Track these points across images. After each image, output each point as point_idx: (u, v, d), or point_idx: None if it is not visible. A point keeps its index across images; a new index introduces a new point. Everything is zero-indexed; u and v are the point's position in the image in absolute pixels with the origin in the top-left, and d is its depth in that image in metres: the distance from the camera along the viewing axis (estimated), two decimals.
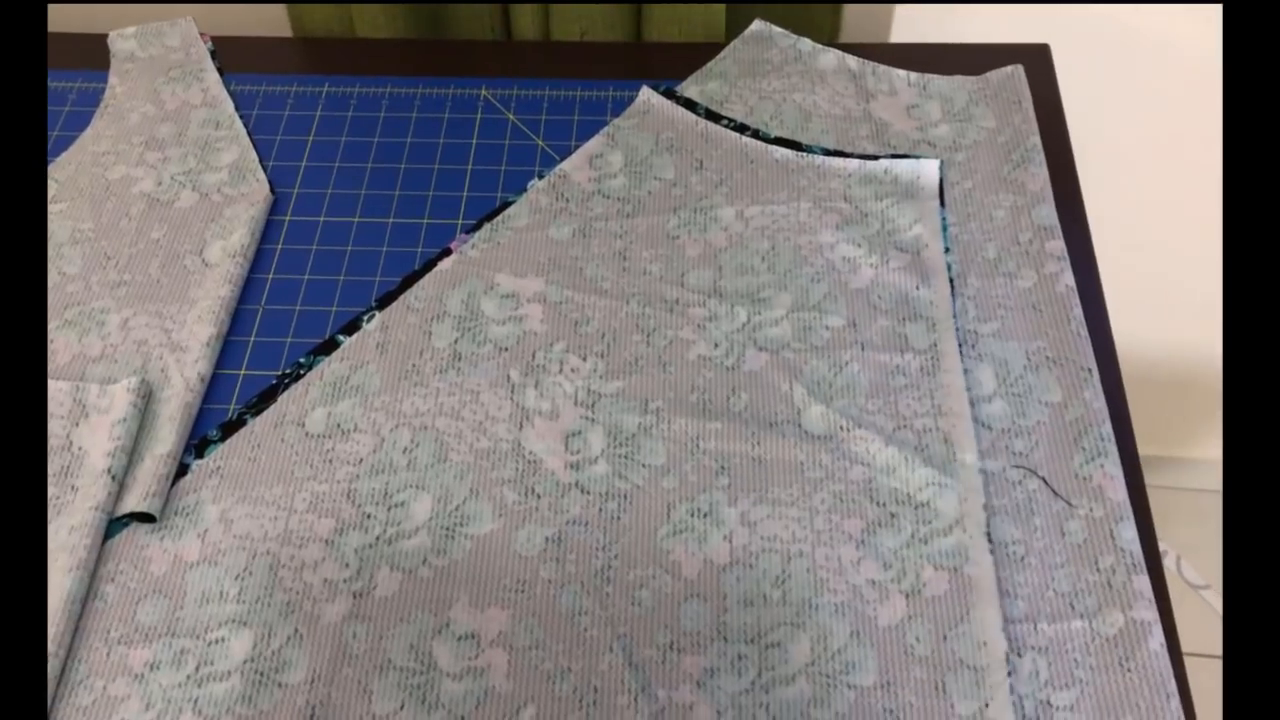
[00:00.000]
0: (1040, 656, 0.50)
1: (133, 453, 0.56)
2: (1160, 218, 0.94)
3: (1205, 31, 0.81)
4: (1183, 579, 1.25)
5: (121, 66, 0.77)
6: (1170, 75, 0.84)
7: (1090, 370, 0.59)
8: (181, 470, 0.57)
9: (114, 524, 0.54)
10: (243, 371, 0.61)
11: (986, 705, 0.48)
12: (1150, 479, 0.57)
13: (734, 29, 0.79)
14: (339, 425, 0.58)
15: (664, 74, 0.76)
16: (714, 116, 0.72)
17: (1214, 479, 1.27)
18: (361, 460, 0.57)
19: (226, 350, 0.62)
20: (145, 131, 0.73)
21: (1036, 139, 0.70)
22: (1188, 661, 0.50)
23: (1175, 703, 0.48)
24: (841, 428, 0.57)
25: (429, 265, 0.65)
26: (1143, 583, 0.51)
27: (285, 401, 0.59)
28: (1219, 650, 1.17)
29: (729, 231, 0.66)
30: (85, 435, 0.56)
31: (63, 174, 0.70)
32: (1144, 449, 0.58)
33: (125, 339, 0.62)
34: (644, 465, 0.56)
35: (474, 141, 0.73)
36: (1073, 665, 0.49)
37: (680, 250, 0.65)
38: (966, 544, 0.53)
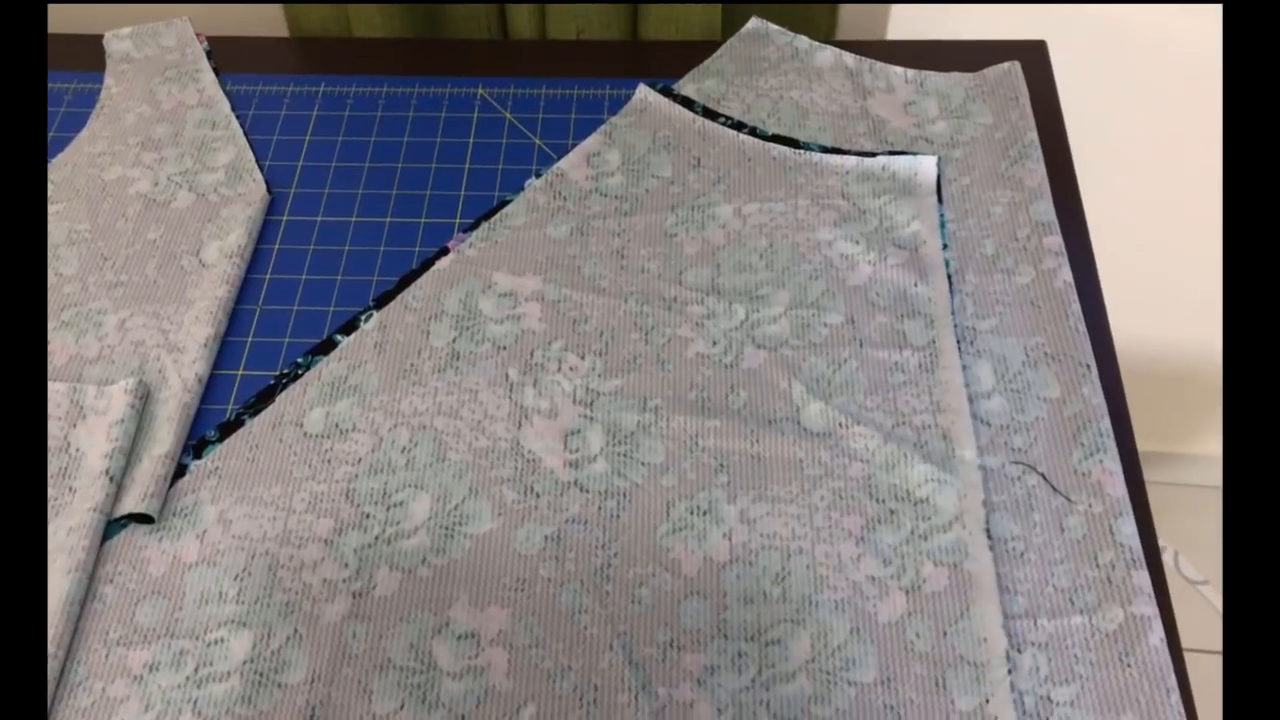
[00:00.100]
0: (1040, 652, 0.50)
1: (131, 454, 0.56)
2: (1158, 213, 0.94)
3: (1201, 26, 0.81)
4: (1181, 575, 1.25)
5: (117, 67, 0.77)
6: (1167, 70, 0.84)
7: (1089, 366, 0.59)
8: (180, 471, 0.56)
9: (112, 525, 0.54)
10: (240, 372, 0.61)
11: (987, 701, 0.48)
12: (1149, 474, 0.57)
13: (731, 27, 0.79)
14: (337, 425, 0.58)
15: (661, 72, 0.76)
16: (711, 114, 0.72)
17: (1213, 474, 1.27)
18: (360, 460, 0.57)
19: (224, 351, 0.62)
20: (141, 132, 0.72)
21: (1034, 135, 0.70)
22: (1187, 656, 0.50)
23: (1175, 697, 0.48)
24: (840, 425, 0.57)
25: (426, 264, 0.65)
26: (1142, 578, 0.52)
27: (283, 402, 0.59)
28: (1218, 645, 1.17)
29: (727, 229, 0.66)
30: (83, 436, 0.56)
31: (59, 175, 0.70)
32: (1143, 444, 0.58)
33: (122, 340, 0.61)
34: (643, 463, 0.56)
35: (471, 140, 0.72)
36: (1073, 661, 0.49)
37: (678, 248, 0.65)
38: (966, 540, 0.53)
